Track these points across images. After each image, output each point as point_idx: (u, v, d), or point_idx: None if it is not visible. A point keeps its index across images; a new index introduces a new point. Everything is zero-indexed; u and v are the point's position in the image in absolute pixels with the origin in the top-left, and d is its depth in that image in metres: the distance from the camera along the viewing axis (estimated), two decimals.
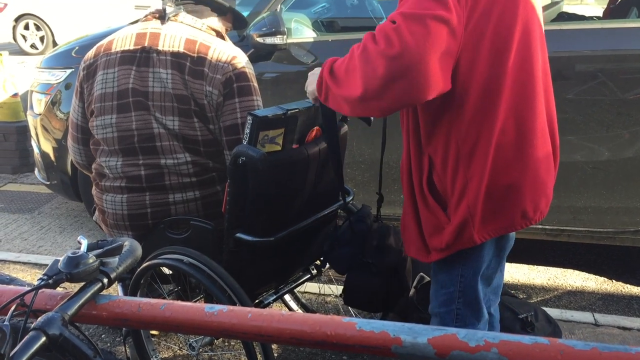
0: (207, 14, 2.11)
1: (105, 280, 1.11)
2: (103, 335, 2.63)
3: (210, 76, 1.92)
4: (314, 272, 2.34)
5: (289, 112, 1.81)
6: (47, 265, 3.11)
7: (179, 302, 1.12)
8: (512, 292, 2.72)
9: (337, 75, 1.50)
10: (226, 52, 1.97)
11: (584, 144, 2.80)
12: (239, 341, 2.47)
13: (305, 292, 2.98)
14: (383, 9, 4.32)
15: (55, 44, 10.12)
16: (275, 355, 2.45)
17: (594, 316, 2.76)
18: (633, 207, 2.85)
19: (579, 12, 4.11)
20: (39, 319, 1.02)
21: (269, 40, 2.90)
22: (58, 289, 1.15)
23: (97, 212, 2.18)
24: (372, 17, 4.21)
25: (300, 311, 2.70)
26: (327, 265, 2.34)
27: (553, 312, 2.65)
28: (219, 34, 2.09)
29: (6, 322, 1.00)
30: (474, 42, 1.41)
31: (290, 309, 2.66)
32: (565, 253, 3.49)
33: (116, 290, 2.36)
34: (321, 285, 2.99)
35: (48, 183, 3.72)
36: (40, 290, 1.10)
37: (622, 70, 2.72)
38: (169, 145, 1.95)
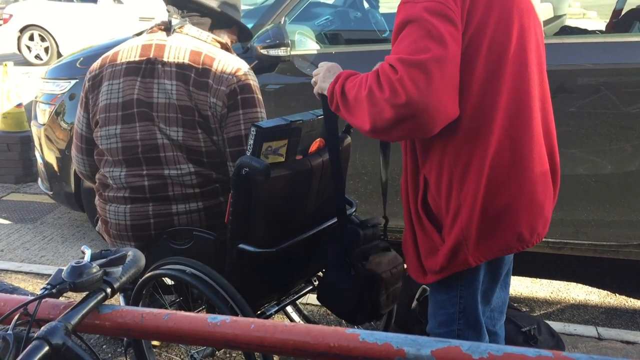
0: (213, 26, 2.12)
1: (109, 290, 1.11)
2: (104, 346, 2.62)
3: (215, 88, 1.93)
4: (316, 283, 2.33)
5: (292, 123, 1.82)
6: (49, 275, 3.12)
7: (182, 313, 1.12)
8: (515, 305, 2.71)
9: (347, 99, 1.49)
10: (231, 64, 1.98)
11: (586, 157, 2.80)
12: (240, 353, 2.46)
13: (308, 304, 2.97)
14: (386, 22, 4.35)
15: (59, 54, 10.20)
16: None
17: (597, 330, 2.75)
18: (636, 220, 2.85)
19: (582, 26, 4.12)
20: (42, 328, 1.02)
21: (273, 52, 2.91)
22: (61, 298, 1.15)
23: (99, 223, 2.18)
24: (376, 30, 4.24)
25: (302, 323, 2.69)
26: None
27: (556, 326, 2.63)
28: (224, 46, 2.10)
29: (9, 331, 1.00)
30: (467, 62, 1.40)
31: (292, 320, 2.65)
32: (569, 266, 3.47)
33: (118, 300, 2.36)
34: None
35: (51, 193, 3.73)
36: (43, 300, 1.09)
37: (625, 84, 2.72)
38: (173, 156, 1.95)
